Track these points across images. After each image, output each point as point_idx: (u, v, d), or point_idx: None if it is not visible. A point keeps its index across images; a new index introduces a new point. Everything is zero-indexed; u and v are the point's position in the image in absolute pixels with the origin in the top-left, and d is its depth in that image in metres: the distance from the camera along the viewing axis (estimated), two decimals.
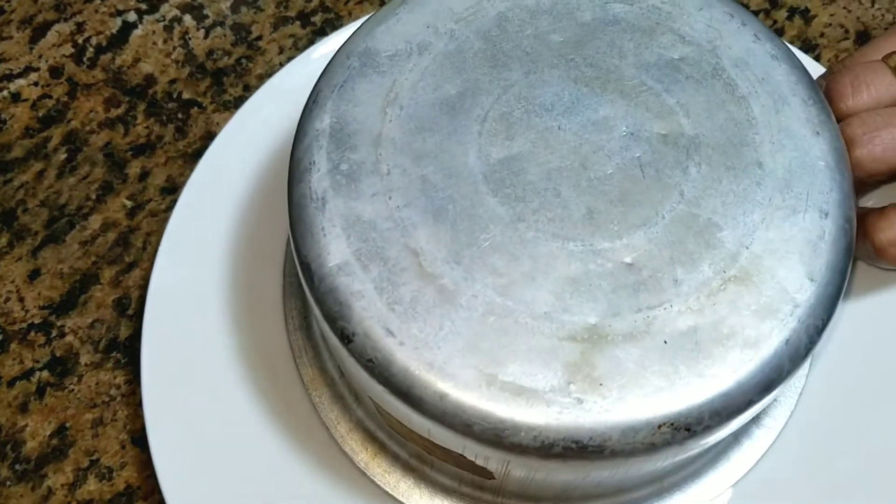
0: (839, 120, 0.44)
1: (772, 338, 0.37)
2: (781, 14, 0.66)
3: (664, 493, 0.47)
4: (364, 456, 0.48)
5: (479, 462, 0.40)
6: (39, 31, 0.68)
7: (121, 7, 0.69)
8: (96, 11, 0.69)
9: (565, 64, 0.43)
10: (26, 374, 0.56)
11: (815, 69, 0.54)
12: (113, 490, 0.52)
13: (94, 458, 0.52)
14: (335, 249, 0.39)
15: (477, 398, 0.36)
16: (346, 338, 0.38)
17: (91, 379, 0.55)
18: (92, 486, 0.53)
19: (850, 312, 0.51)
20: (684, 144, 0.41)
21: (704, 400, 0.36)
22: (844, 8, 0.65)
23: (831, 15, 0.65)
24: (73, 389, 0.55)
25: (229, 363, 0.52)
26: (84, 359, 0.55)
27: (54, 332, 0.56)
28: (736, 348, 0.37)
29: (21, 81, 0.66)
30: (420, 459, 0.47)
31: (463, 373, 0.36)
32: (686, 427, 0.36)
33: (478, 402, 0.36)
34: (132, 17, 0.68)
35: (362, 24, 0.45)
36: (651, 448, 0.36)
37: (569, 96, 0.42)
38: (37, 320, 0.58)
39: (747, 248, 0.38)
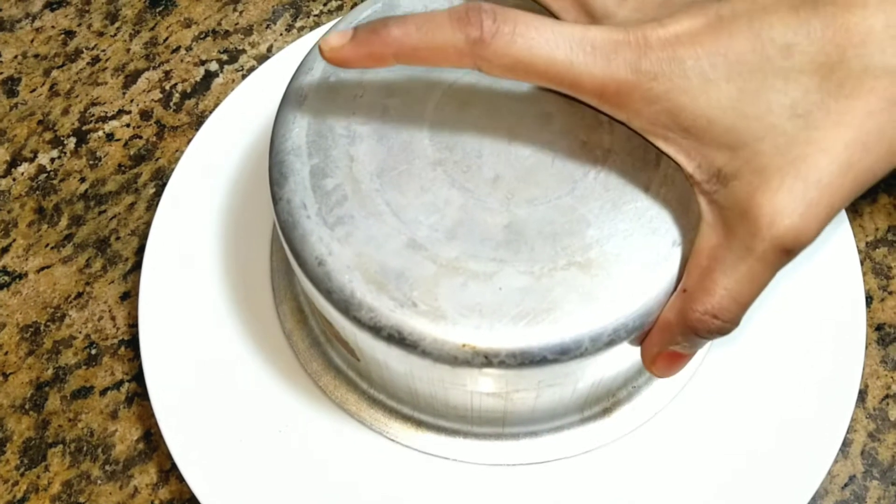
0: None
1: (579, 320, 0.43)
2: None
3: (504, 438, 0.53)
4: (290, 324, 0.57)
5: (341, 333, 0.47)
6: (131, 78, 0.75)
7: (204, 57, 0.76)
8: (182, 61, 0.76)
9: None
10: (117, 385, 0.61)
11: None
12: (191, 491, 0.54)
13: (175, 461, 0.55)
14: (295, 135, 0.47)
15: (342, 273, 0.44)
16: (275, 200, 0.46)
17: None
18: (173, 486, 0.58)
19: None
20: (596, 154, 0.47)
21: (506, 344, 0.43)
22: None
23: None
24: None
25: (218, 276, 0.60)
26: None
27: None
28: (548, 314, 0.43)
29: (115, 123, 0.72)
30: (325, 335, 0.55)
31: (342, 252, 0.44)
32: (485, 355, 0.42)
33: (341, 276, 0.44)
34: (214, 66, 0.75)
35: None
36: (454, 360, 0.43)
37: (529, 88, 0.48)
38: (126, 337, 0.63)
39: (602, 246, 0.44)
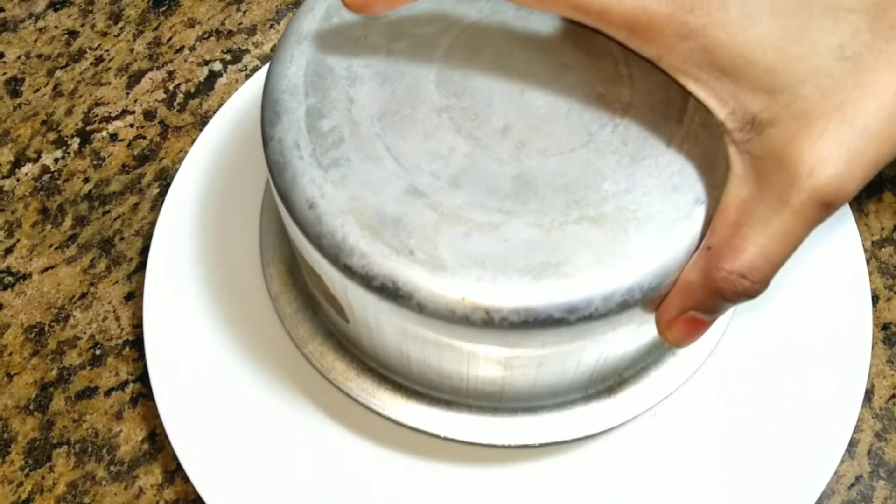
0: None
1: (590, 277, 0.39)
2: None
3: (501, 413, 0.50)
4: (276, 287, 0.54)
5: (330, 287, 0.44)
6: (135, 79, 0.74)
7: (207, 57, 0.75)
8: (185, 61, 0.75)
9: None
10: (121, 386, 0.61)
11: None
12: (196, 491, 0.54)
13: (180, 461, 0.54)
14: (292, 74, 0.44)
15: (334, 217, 0.41)
16: (266, 141, 0.43)
17: None
18: (178, 486, 0.57)
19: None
20: (615, 107, 0.43)
21: (509, 299, 0.39)
22: None
23: None
24: None
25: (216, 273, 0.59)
26: None
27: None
28: (557, 270, 0.39)
29: (118, 123, 0.72)
30: (315, 300, 0.52)
31: (335, 195, 0.41)
32: (486, 310, 0.39)
33: (333, 220, 0.40)
34: (217, 66, 0.74)
35: None
36: (451, 315, 0.39)
37: (544, 37, 0.45)
38: (131, 337, 0.63)
39: (618, 201, 0.41)
